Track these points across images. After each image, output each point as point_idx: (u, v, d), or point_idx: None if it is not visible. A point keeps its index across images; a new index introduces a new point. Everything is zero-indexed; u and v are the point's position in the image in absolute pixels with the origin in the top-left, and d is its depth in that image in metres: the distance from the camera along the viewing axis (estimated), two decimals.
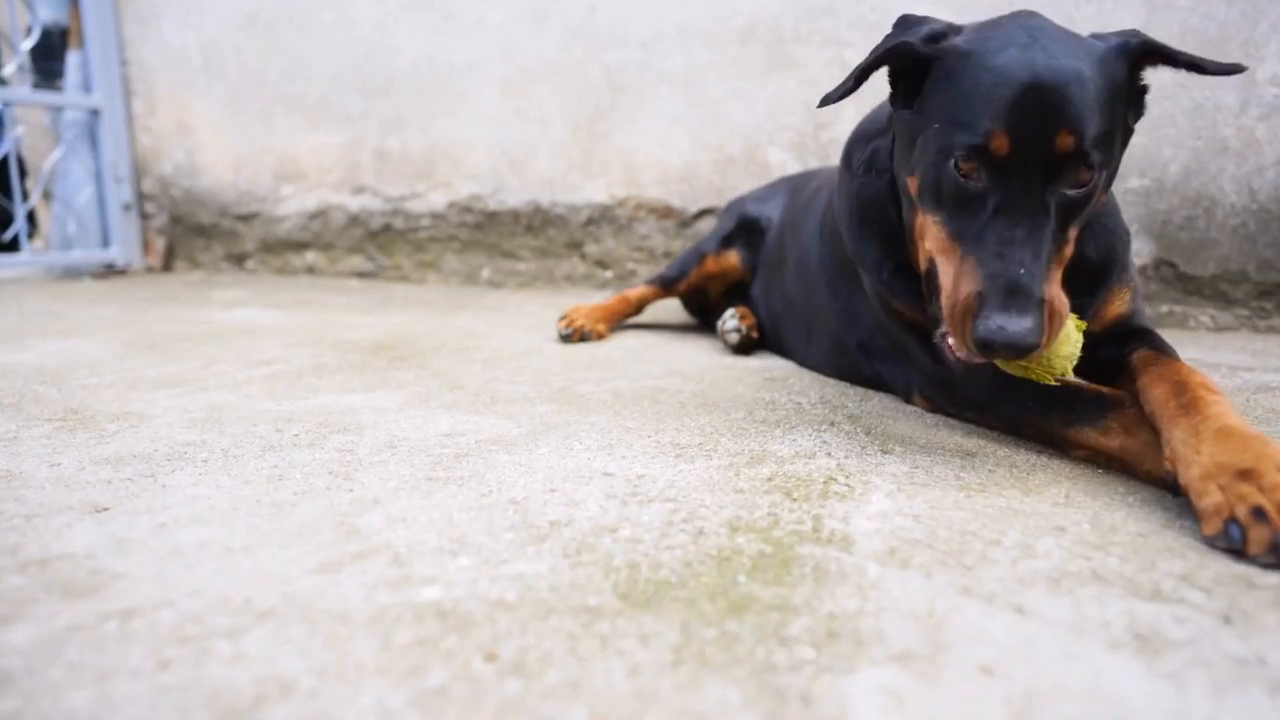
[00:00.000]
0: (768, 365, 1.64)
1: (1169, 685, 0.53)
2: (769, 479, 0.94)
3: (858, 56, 2.36)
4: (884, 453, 1.05)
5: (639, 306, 2.03)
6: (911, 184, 1.03)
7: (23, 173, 4.11)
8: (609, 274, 2.87)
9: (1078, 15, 2.09)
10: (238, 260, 3.61)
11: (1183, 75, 2.02)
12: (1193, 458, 0.81)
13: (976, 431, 1.15)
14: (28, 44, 3.52)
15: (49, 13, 3.56)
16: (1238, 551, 0.72)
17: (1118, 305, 1.13)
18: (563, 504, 0.86)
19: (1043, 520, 0.82)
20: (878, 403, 1.33)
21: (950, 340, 0.98)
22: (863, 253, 1.21)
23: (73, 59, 3.59)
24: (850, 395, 1.38)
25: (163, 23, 3.52)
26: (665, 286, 1.95)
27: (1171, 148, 2.06)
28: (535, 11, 2.82)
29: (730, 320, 1.72)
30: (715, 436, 1.11)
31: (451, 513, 0.83)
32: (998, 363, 0.98)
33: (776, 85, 2.49)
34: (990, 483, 0.93)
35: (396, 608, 0.63)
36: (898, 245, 1.18)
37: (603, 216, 2.84)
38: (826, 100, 1.06)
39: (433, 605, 0.63)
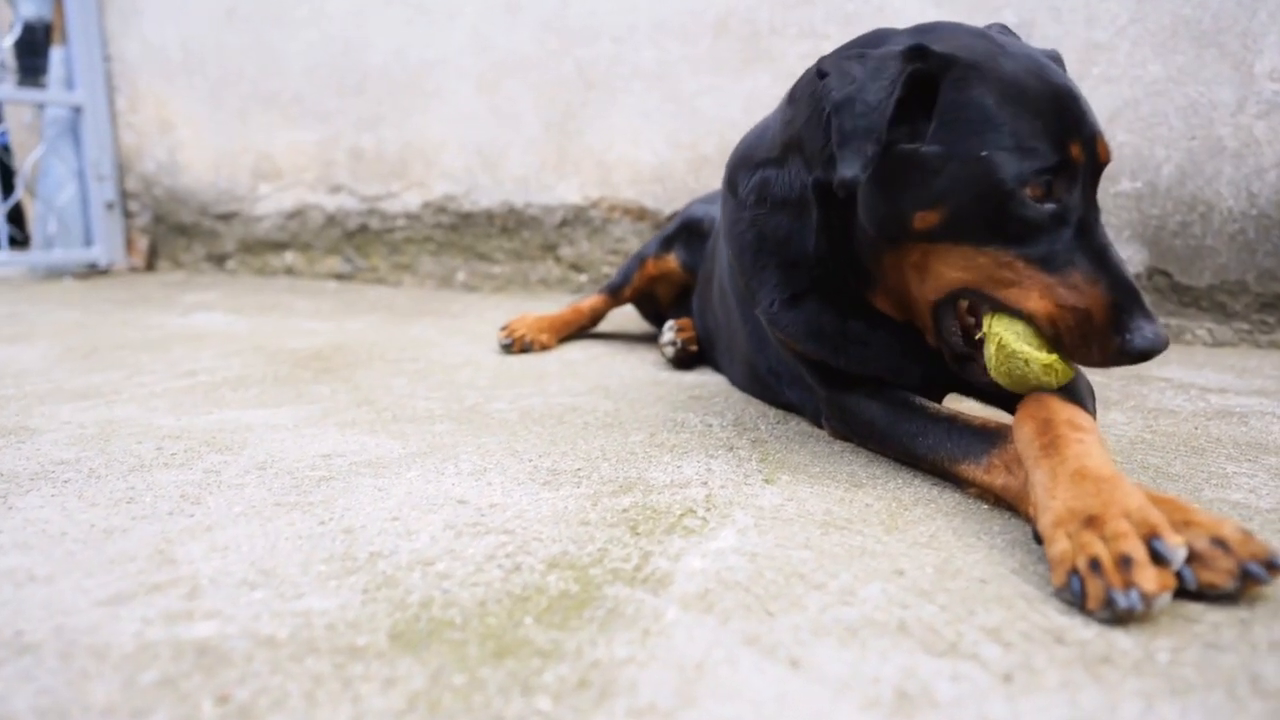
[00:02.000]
0: (702, 381, 1.65)
1: None
2: (624, 510, 0.95)
3: None
4: (766, 482, 1.06)
5: (592, 317, 2.05)
6: (922, 218, 0.98)
7: (10, 171, 4.27)
8: (584, 278, 2.90)
9: (1064, 7, 2.05)
10: (218, 261, 3.71)
11: (1174, 69, 1.98)
12: (1048, 502, 0.80)
13: (879, 461, 1.15)
14: (9, 40, 3.66)
15: (32, 8, 3.70)
16: (1081, 605, 0.71)
17: None
18: (396, 534, 0.88)
19: (887, 562, 0.82)
20: (793, 426, 1.33)
21: (981, 368, 1.01)
22: (758, 285, 1.21)
23: (56, 55, 3.73)
24: (769, 418, 1.38)
25: (144, 18, 3.64)
26: (613, 294, 1.97)
27: (1164, 148, 2.02)
28: (508, 4, 2.85)
29: (668, 333, 1.73)
30: (598, 462, 1.13)
31: (278, 541, 0.86)
32: (1025, 378, 0.96)
33: (751, 81, 2.49)
34: (859, 518, 0.93)
35: (161, 644, 0.66)
36: (797, 279, 1.18)
37: (577, 218, 2.87)
38: (850, 184, 0.94)
39: (198, 642, 0.66)
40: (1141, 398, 1.52)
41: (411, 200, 3.17)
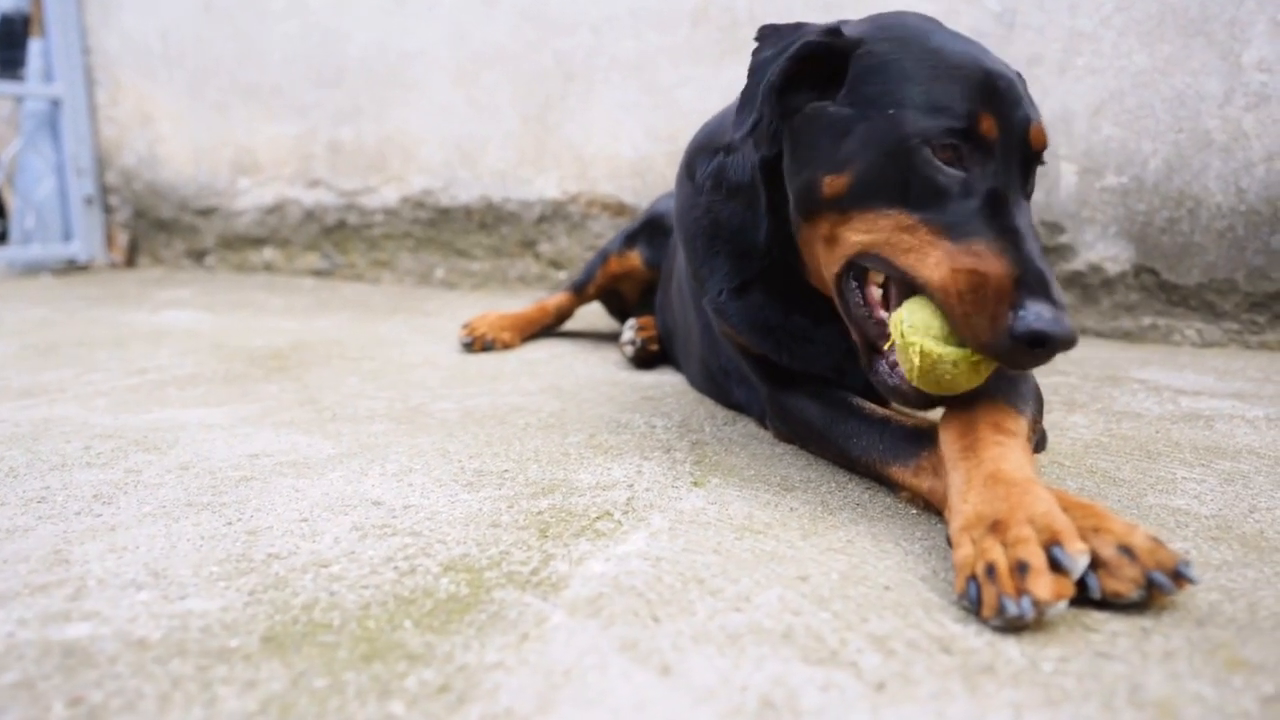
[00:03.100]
0: (659, 382, 1.65)
1: None
2: (539, 513, 0.96)
3: None
4: (695, 485, 1.06)
5: (558, 315, 2.06)
6: (831, 183, 0.97)
7: None
8: (563, 274, 2.91)
9: None
10: (198, 257, 3.75)
11: (1161, 60, 1.97)
12: (960, 507, 0.80)
13: (817, 465, 1.15)
14: None
15: (9, 0, 3.75)
16: (977, 612, 0.71)
17: None
18: (301, 535, 0.89)
19: (794, 568, 0.82)
20: (740, 428, 1.33)
21: (890, 365, 0.96)
22: (706, 273, 1.22)
23: (34, 47, 3.78)
24: (717, 419, 1.38)
25: (124, 9, 3.67)
26: (577, 291, 1.98)
27: (1151, 141, 2.00)
28: None
29: (628, 332, 1.74)
30: (528, 463, 1.13)
31: (178, 542, 0.87)
32: (956, 382, 0.90)
33: (730, 72, 2.48)
34: (779, 523, 0.94)
35: (29, 645, 0.67)
36: (746, 268, 1.18)
37: (555, 213, 2.87)
38: (744, 134, 1.02)
39: (67, 644, 0.67)
40: (1110, 400, 1.51)
41: (390, 195, 3.19)
